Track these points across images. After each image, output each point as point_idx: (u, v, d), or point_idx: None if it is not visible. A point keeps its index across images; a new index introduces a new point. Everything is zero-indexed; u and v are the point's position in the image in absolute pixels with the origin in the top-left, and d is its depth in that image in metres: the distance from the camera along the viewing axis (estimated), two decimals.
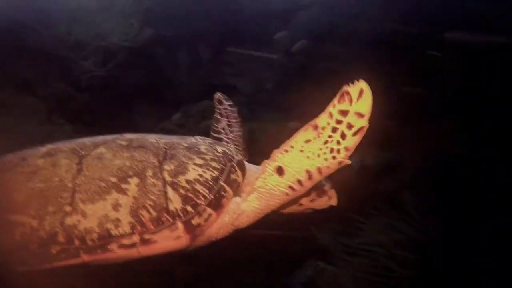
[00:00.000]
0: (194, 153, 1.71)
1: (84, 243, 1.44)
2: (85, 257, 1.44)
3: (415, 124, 3.85)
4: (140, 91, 5.36)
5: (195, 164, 1.66)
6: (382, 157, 3.64)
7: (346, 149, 1.58)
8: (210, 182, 1.63)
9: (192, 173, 1.62)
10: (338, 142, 1.56)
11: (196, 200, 1.57)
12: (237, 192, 1.72)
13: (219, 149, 1.81)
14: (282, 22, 6.23)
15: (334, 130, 1.55)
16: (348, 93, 1.50)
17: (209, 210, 1.58)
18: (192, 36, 5.98)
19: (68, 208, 1.47)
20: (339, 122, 1.53)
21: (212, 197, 1.60)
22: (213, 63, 6.02)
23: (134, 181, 1.54)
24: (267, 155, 1.70)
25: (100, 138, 1.76)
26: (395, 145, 3.75)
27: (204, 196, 1.59)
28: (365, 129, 1.56)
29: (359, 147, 1.62)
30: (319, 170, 1.61)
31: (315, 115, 1.62)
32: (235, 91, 5.54)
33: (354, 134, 1.54)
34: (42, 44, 5.22)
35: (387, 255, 2.95)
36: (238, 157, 1.85)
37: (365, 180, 3.43)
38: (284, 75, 5.49)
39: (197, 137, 1.95)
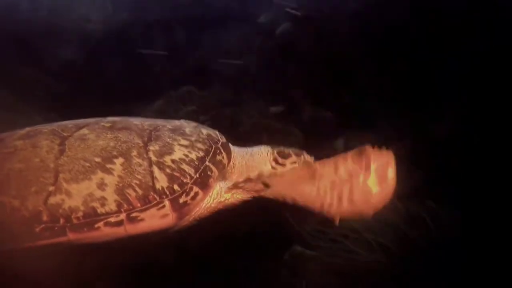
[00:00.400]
0: (179, 135, 1.72)
1: (70, 221, 1.42)
2: (71, 235, 1.42)
3: (401, 108, 3.88)
4: (119, 78, 5.21)
5: (180, 145, 1.67)
6: (367, 140, 3.69)
7: (339, 213, 1.45)
8: (196, 162, 1.64)
9: (178, 153, 1.63)
10: (331, 201, 1.43)
11: (183, 179, 1.59)
12: (223, 173, 1.74)
13: (204, 131, 1.83)
14: (266, 4, 6.12)
15: (333, 186, 1.43)
16: (368, 159, 1.32)
17: (195, 188, 1.60)
18: (172, 19, 5.83)
19: (51, 188, 1.45)
20: (342, 182, 1.42)
21: (198, 176, 1.62)
22: (196, 46, 5.91)
23: (119, 161, 1.54)
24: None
25: (82, 121, 1.74)
26: (379, 128, 3.79)
27: (190, 175, 1.60)
28: (368, 216, 1.32)
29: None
30: (305, 205, 1.59)
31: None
32: (218, 75, 5.47)
33: (353, 211, 1.38)
34: (9, 28, 4.97)
35: (358, 240, 3.04)
36: (223, 139, 1.87)
37: None
38: (267, 59, 5.45)
39: (182, 120, 1.96)
